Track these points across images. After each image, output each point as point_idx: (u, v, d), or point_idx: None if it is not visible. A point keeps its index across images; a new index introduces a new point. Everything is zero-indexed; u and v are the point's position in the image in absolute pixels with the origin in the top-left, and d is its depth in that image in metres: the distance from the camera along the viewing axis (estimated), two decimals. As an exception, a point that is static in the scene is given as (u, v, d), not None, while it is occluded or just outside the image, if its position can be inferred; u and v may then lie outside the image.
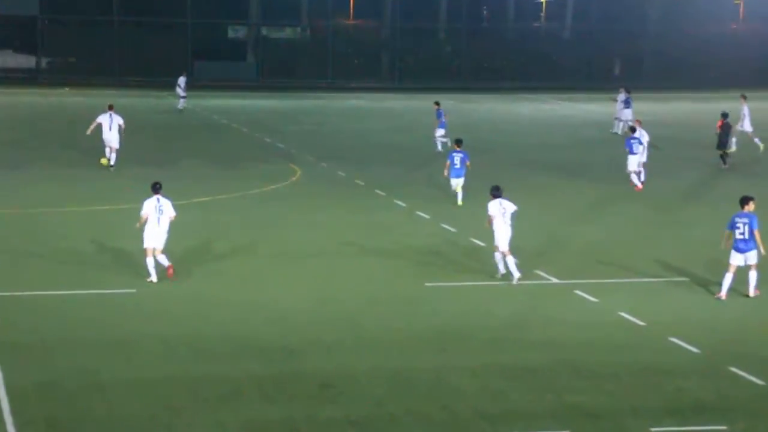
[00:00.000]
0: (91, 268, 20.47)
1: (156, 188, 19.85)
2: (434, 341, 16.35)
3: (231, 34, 79.51)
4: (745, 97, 39.35)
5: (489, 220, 20.38)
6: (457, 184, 28.08)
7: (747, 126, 38.74)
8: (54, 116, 49.71)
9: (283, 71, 75.17)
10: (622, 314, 17.74)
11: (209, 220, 25.19)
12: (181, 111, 52.24)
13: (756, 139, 38.44)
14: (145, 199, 19.79)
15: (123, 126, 33.34)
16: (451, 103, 59.83)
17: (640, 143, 30.81)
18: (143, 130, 44.72)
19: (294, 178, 32.24)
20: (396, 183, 31.41)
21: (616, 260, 21.92)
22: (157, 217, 19.53)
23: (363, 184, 31.14)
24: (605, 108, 49.46)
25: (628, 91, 45.13)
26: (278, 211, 26.74)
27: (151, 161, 34.71)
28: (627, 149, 30.88)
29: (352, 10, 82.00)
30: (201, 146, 39.21)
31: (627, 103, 44.74)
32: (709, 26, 79.13)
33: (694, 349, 16.00)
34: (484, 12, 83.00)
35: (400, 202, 27.97)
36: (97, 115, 33.83)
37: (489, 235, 23.63)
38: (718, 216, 26.96)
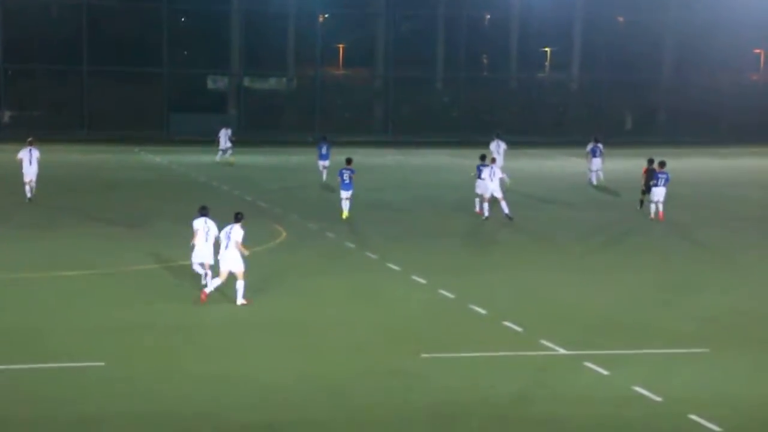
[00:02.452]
0: (53, 339, 20.34)
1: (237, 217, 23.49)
2: (431, 419, 16.23)
3: (211, 84, 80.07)
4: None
5: (194, 236, 24.06)
6: (347, 195, 36.30)
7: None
8: (12, 174, 49.77)
9: (266, 124, 75.67)
10: (637, 388, 17.65)
11: (182, 287, 25.09)
12: (231, 164, 54.57)
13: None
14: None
15: (39, 158, 39.49)
16: (448, 158, 60.12)
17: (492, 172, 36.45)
18: (114, 188, 44.79)
19: (278, 240, 32.23)
20: (389, 245, 31.42)
21: (630, 328, 21.86)
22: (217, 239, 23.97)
23: (353, 246, 31.15)
24: (616, 164, 49.77)
25: (597, 141, 48.43)
26: (259, 276, 26.65)
27: (121, 221, 34.71)
28: (477, 174, 37.32)
29: (341, 59, 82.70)
30: (176, 206, 39.21)
31: (594, 152, 47.98)
32: (728, 76, 79.84)
33: (716, 428, 15.89)
34: (484, 60, 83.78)
35: (393, 266, 27.96)
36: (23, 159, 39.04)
37: (491, 302, 23.70)
38: (736, 278, 27.05)
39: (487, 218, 36.18)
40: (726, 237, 34.33)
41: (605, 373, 18.59)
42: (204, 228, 24.13)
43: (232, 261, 23.10)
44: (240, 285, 23.11)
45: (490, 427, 15.95)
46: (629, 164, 50.73)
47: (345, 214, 36.34)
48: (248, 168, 54.89)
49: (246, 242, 23.38)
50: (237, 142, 58.19)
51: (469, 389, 17.65)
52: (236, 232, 23.12)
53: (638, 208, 39.07)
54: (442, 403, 16.91)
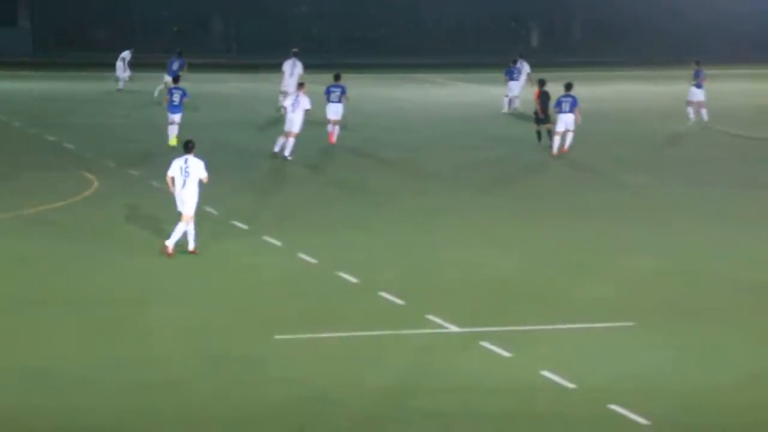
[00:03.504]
0: None
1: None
2: (289, 417, 16.41)
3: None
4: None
5: None
6: (175, 119, 38.88)
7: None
8: None
9: (70, 42, 74.37)
10: (545, 373, 18.05)
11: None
12: (120, 90, 55.71)
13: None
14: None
15: None
16: (311, 86, 60.08)
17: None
18: None
19: (88, 192, 31.93)
20: (233, 198, 31.36)
21: (535, 298, 22.34)
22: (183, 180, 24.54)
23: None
24: (524, 92, 50.59)
25: (514, 61, 51.29)
26: (65, 237, 26.43)
27: None
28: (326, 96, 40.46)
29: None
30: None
31: (510, 74, 50.66)
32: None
33: (642, 420, 16.38)
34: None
35: (240, 224, 27.98)
36: None
37: (364, 268, 23.95)
38: (662, 234, 27.80)
39: (275, 155, 37.17)
40: (650, 183, 35.08)
41: (506, 354, 18.97)
42: None
43: (189, 201, 24.51)
44: (180, 229, 24.47)
45: (364, 426, 16.20)
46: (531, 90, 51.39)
47: (172, 141, 38.45)
48: (49, 98, 54.01)
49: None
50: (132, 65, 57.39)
51: (336, 379, 17.85)
52: (195, 165, 24.55)
53: (537, 141, 40.31)
54: (302, 396, 17.08)
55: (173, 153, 36.58)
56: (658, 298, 22.45)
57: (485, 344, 19.37)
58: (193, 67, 62.65)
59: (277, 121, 45.88)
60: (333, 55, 74.78)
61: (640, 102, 56.30)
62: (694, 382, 18.05)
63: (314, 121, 41.76)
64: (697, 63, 47.15)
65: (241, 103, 54.40)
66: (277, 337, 19.73)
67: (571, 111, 38.37)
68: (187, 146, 24.94)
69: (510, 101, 50.43)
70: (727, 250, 26.36)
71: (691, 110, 46.47)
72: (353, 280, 23.22)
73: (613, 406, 16.73)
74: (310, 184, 34.19)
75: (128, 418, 16.25)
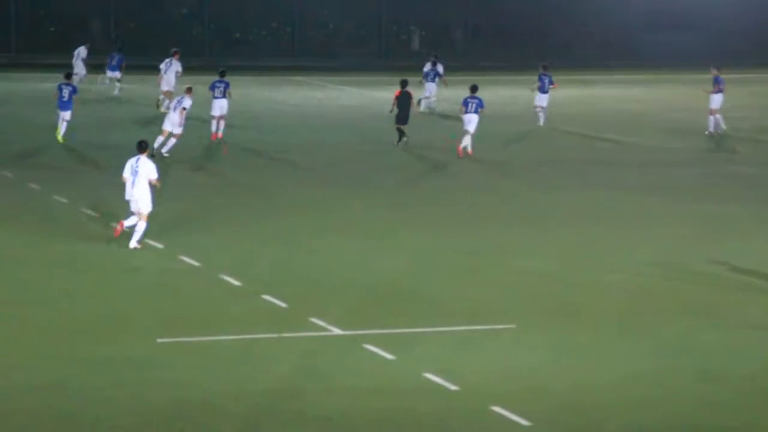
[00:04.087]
0: None
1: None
2: (170, 420, 16.34)
3: None
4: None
5: None
6: (65, 116, 39.31)
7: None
8: None
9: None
10: (428, 375, 18.18)
11: None
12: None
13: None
14: None
15: None
16: (189, 85, 59.83)
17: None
18: None
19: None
20: (113, 199, 31.04)
21: (419, 301, 22.48)
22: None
23: (66, 201, 30.77)
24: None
25: (433, 63, 51.34)
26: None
27: None
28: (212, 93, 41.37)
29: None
30: None
31: (426, 76, 50.88)
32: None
33: (523, 422, 16.56)
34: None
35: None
36: None
37: (247, 271, 23.93)
38: (544, 240, 28.14)
39: (159, 153, 36.67)
40: (531, 185, 35.50)
41: (389, 357, 19.09)
42: None
43: (142, 199, 25.13)
44: (141, 227, 25.16)
45: (244, 429, 16.19)
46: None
47: (60, 137, 39.13)
48: None
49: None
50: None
51: (219, 382, 17.82)
52: (145, 164, 25.11)
53: (395, 143, 40.47)
54: (184, 400, 17.03)
55: (55, 153, 36.24)
56: (538, 301, 22.73)
57: (368, 346, 19.47)
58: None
59: (158, 120, 45.70)
60: (213, 56, 74.58)
61: (517, 105, 56.84)
62: (573, 381, 18.32)
63: (199, 118, 41.72)
64: (545, 68, 47.70)
65: (122, 103, 53.84)
66: (159, 340, 19.63)
67: (476, 112, 38.87)
68: (140, 146, 25.46)
69: (422, 102, 49.90)
70: (602, 252, 26.77)
71: (541, 114, 46.94)
72: (236, 282, 23.18)
73: (495, 407, 16.93)
74: (192, 185, 33.98)
75: (7, 420, 16.04)
